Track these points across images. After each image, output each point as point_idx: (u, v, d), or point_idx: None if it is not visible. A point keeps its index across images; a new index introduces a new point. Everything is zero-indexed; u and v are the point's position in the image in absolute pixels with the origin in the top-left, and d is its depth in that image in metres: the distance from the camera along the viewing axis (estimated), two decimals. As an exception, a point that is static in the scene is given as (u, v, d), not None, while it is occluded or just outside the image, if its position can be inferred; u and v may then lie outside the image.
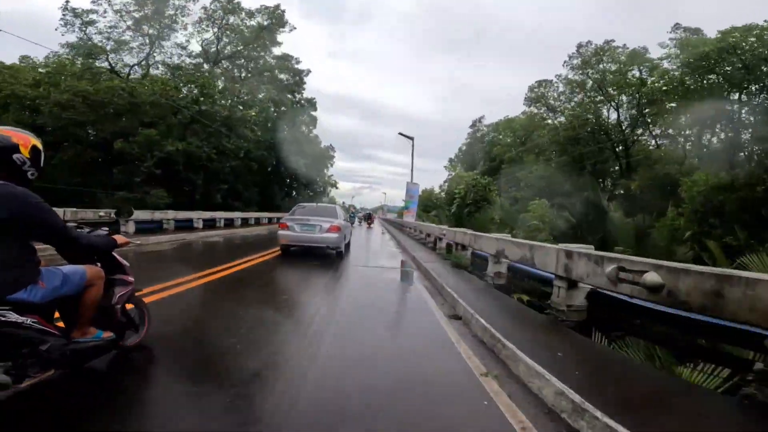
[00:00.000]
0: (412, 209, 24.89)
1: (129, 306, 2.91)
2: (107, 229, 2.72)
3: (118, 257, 2.73)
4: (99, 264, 2.54)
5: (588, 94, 34.99)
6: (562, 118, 37.01)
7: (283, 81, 36.09)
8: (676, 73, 27.91)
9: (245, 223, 22.64)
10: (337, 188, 57.73)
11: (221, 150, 22.14)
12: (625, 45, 33.15)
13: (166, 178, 19.51)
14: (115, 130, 20.08)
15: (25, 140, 2.01)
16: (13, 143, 1.95)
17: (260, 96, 30.35)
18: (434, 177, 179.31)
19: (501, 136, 51.17)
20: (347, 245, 11.15)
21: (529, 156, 40.89)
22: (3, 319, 1.80)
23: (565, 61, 35.05)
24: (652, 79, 29.29)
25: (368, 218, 33.84)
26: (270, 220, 28.17)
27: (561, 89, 37.67)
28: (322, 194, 52.62)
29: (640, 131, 34.55)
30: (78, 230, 2.47)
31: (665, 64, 29.90)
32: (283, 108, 36.41)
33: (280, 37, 34.24)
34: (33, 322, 1.94)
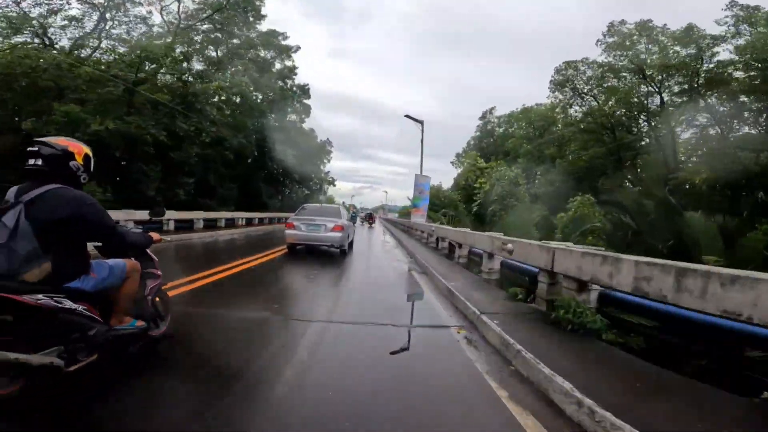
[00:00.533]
0: (422, 207, 19.97)
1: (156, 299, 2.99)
2: (141, 227, 3.17)
3: (150, 253, 2.90)
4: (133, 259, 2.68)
5: (623, 78, 30.13)
6: (592, 104, 32.16)
7: (268, 60, 31.09)
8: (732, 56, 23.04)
9: (211, 226, 17.72)
10: (334, 185, 53.13)
11: (178, 133, 17.07)
12: (665, 25, 28.32)
13: (101, 168, 14.60)
14: (38, 110, 15.32)
15: (79, 149, 2.23)
16: (69, 151, 2.16)
17: (234, 77, 25.18)
18: (435, 176, 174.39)
19: (514, 129, 46.33)
20: (350, 243, 11.22)
21: (550, 148, 36.07)
22: (60, 305, 1.97)
23: (598, 40, 30.14)
24: (718, 59, 24.26)
25: (369, 218, 33.82)
26: (250, 221, 23.19)
27: (589, 74, 32.82)
28: (318, 192, 48.13)
29: (682, 118, 29.55)
30: (121, 228, 2.59)
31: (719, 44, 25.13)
32: (270, 93, 31.56)
33: (264, 9, 29.32)
34: (84, 309, 2.12)
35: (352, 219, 17.93)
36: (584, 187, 26.82)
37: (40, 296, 1.90)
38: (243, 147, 23.74)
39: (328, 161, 48.81)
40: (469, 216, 18.96)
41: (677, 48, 27.03)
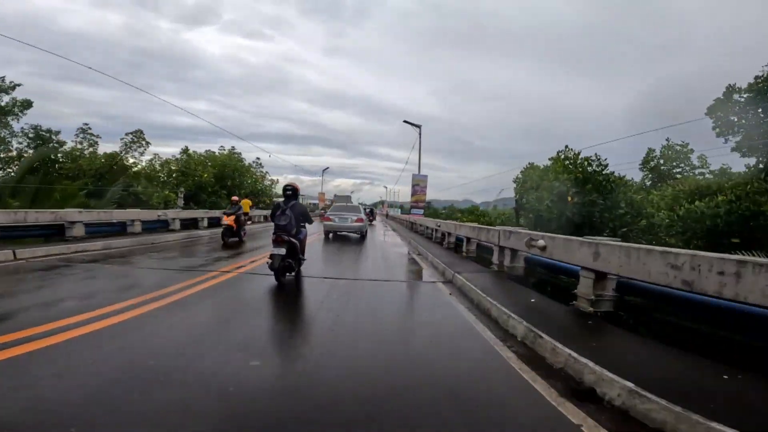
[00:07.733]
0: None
1: None
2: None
3: (307, 224, 6.68)
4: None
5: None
6: None
7: None
8: None
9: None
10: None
11: None
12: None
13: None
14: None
15: (298, 185, 6.47)
16: (297, 188, 6.43)
17: None
18: (437, 174, 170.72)
19: None
20: (365, 231, 15.38)
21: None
22: (295, 241, 6.09)
23: None
24: None
25: (370, 214, 35.74)
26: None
27: None
28: None
29: None
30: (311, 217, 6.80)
31: None
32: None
33: None
34: (298, 245, 6.19)
35: None
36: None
37: (294, 240, 6.07)
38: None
39: None
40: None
41: None
